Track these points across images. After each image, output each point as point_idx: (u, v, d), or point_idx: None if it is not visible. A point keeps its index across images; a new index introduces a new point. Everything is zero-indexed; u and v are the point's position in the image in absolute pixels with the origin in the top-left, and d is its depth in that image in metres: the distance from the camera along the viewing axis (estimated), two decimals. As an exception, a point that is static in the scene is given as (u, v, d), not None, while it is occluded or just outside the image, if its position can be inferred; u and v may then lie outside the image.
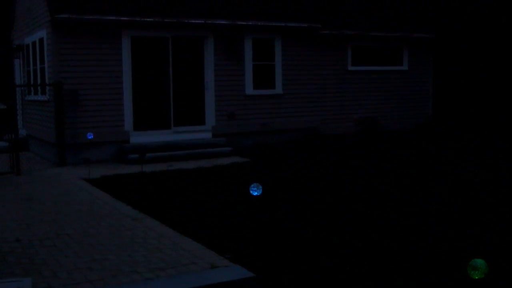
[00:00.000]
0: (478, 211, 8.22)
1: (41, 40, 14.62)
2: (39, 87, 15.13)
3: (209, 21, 14.92)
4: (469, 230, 7.25)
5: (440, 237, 6.94)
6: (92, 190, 10.46)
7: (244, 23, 15.41)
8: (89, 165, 12.93)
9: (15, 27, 18.72)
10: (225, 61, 15.41)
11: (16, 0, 18.20)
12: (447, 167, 12.12)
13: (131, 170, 12.45)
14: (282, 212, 8.40)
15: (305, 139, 16.32)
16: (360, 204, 8.85)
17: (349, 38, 17.48)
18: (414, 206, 8.62)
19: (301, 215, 8.26)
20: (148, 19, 14.15)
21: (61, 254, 6.51)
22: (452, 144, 15.64)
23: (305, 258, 6.28)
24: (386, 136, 16.92)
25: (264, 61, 15.99)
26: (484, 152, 14.06)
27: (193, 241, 6.91)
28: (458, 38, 21.71)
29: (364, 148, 15.19)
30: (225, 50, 15.36)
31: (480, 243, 6.68)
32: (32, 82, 15.99)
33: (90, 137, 12.52)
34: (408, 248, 6.57)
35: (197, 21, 14.77)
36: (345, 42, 17.46)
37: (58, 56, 13.49)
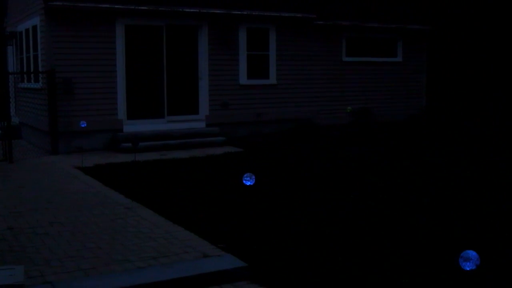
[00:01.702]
0: (468, 205, 8.26)
1: (34, 27, 14.53)
2: (32, 75, 15.06)
3: (204, 10, 14.87)
4: (458, 222, 7.29)
5: (429, 229, 6.98)
6: (85, 178, 10.44)
7: (239, 12, 15.36)
8: (82, 153, 12.90)
9: (8, 14, 18.60)
10: (219, 51, 15.38)
11: (9, -14, 18.09)
12: (438, 160, 12.15)
13: (124, 159, 12.43)
14: (274, 202, 8.42)
15: (298, 129, 16.32)
16: (352, 195, 8.87)
17: (344, 29, 17.46)
18: (402, 199, 8.65)
19: (292, 204, 8.27)
20: (142, 7, 14.09)
21: (54, 242, 6.51)
22: (444, 136, 15.67)
23: (297, 247, 6.29)
24: (379, 128, 16.94)
25: (258, 51, 15.96)
26: (476, 145, 14.10)
27: (185, 230, 6.92)
28: (453, 30, 21.73)
29: (357, 139, 15.19)
30: (219, 40, 15.32)
31: (470, 235, 6.72)
32: (25, 70, 15.91)
33: (83, 126, 12.48)
34: (396, 238, 6.59)
35: (191, 10, 14.71)
36: (340, 33, 17.43)
37: (51, 44, 13.42)
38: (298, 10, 16.38)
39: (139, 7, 14.06)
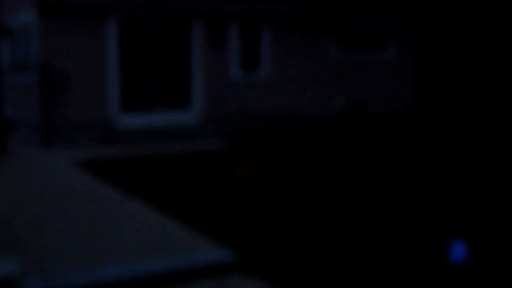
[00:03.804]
0: (457, 195, 8.34)
1: (28, 22, 14.51)
2: (25, 69, 15.04)
3: (196, 6, 14.88)
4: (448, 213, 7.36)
5: (419, 220, 7.04)
6: (77, 172, 10.46)
7: (231, 8, 15.38)
8: (74, 147, 12.92)
9: (1, 10, 18.53)
10: (212, 46, 15.40)
11: (2, -19, 18.05)
12: (426, 154, 12.23)
13: (116, 153, 12.45)
14: (266, 195, 8.47)
15: (291, 124, 16.37)
16: (343, 187, 8.93)
17: (335, 25, 17.50)
18: (391, 192, 8.72)
19: (283, 197, 8.32)
20: (135, 3, 14.09)
21: (46, 234, 6.54)
22: (435, 131, 15.74)
23: (289, 240, 6.35)
24: (369, 122, 17.01)
25: (251, 46, 15.99)
26: (465, 140, 14.19)
27: (177, 223, 6.96)
28: (444, 25, 21.80)
29: (348, 134, 15.25)
30: (212, 35, 15.34)
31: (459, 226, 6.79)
32: (19, 64, 15.89)
33: (75, 120, 12.48)
34: (386, 230, 6.66)
35: (184, 6, 14.72)
36: (331, 28, 17.47)
37: (44, 39, 13.42)
38: (290, 5, 16.40)
39: (132, 3, 14.06)
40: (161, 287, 5.39)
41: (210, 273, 5.59)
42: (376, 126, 16.67)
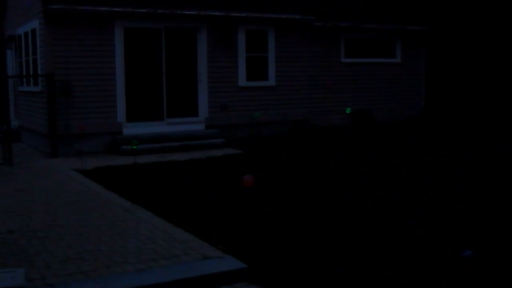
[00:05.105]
0: (465, 202, 8.28)
1: (33, 30, 14.55)
2: (31, 78, 15.07)
3: (203, 13, 14.89)
4: (453, 221, 7.32)
5: (427, 227, 6.99)
6: (85, 181, 10.46)
7: (238, 14, 15.39)
8: (81, 156, 12.92)
9: (7, 18, 18.62)
10: (218, 53, 15.39)
11: (8, -10, 18.12)
12: (436, 160, 12.17)
13: (124, 162, 12.44)
14: (274, 204, 8.43)
15: (297, 131, 16.34)
16: (349, 197, 8.89)
17: (342, 30, 17.49)
18: (398, 199, 8.67)
19: (291, 206, 8.29)
20: (140, 10, 14.11)
21: (54, 245, 6.52)
22: (442, 137, 15.68)
23: (296, 249, 6.31)
24: (377, 129, 16.96)
25: (257, 52, 15.98)
26: (472, 145, 14.12)
27: (185, 232, 6.93)
28: (452, 30, 21.75)
29: (355, 141, 15.20)
30: (218, 42, 15.34)
31: (464, 236, 6.74)
32: (24, 73, 15.93)
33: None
34: (395, 237, 6.62)
35: (190, 13, 14.74)
36: (338, 34, 17.47)
37: (50, 47, 13.44)
38: (297, 11, 16.40)
39: (138, 10, 14.08)
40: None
41: (219, 281, 5.56)
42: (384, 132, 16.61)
